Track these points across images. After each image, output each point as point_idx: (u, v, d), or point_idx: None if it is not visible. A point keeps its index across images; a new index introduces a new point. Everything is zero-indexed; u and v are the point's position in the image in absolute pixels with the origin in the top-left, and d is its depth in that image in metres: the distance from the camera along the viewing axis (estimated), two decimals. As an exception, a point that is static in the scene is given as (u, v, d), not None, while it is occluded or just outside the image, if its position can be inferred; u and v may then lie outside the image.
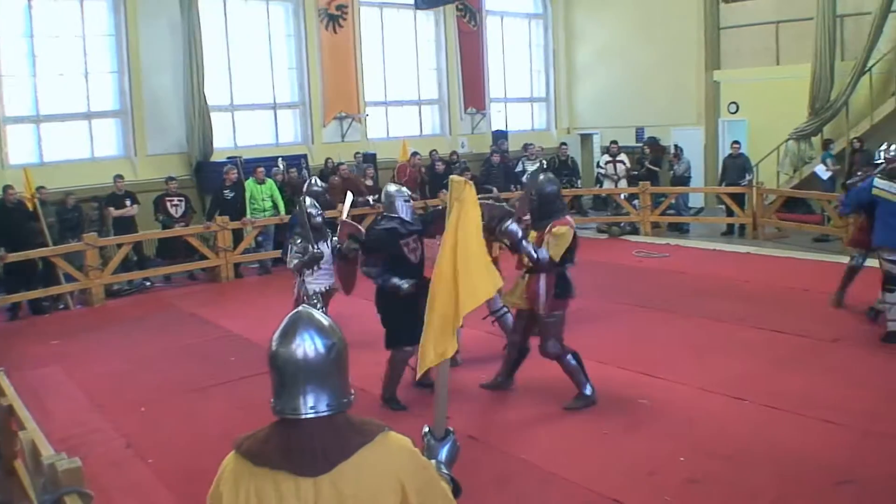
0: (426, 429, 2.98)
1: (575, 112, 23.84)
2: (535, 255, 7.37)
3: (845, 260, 14.11)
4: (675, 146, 19.38)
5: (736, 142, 18.14)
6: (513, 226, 7.40)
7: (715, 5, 20.62)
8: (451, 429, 3.00)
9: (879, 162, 9.96)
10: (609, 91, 22.59)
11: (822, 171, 16.81)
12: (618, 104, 22.23)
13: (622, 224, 18.14)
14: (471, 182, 3.23)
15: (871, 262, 10.31)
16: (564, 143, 20.39)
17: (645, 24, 21.43)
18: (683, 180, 18.91)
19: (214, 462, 2.58)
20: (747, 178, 17.28)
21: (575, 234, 7.51)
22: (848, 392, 7.74)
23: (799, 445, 6.61)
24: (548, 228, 7.43)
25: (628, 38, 21.90)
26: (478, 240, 3.32)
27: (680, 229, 18.09)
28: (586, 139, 23.63)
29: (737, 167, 17.70)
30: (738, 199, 17.39)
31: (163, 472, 6.73)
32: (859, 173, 15.48)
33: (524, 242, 7.43)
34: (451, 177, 3.43)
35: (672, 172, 19.05)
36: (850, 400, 7.51)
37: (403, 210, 7.91)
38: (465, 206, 3.21)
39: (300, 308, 2.58)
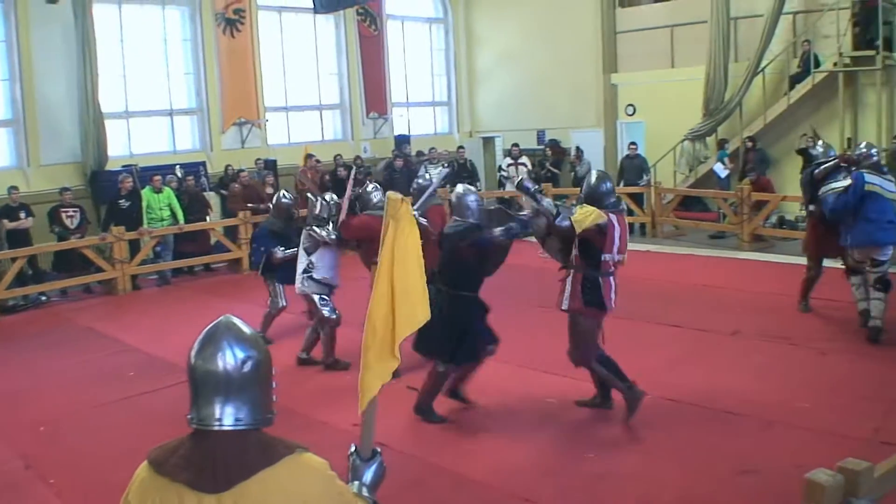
0: (353, 448, 2.88)
1: (477, 115, 23.98)
2: (553, 213, 6.96)
3: (741, 256, 14.66)
4: (577, 148, 19.66)
5: (633, 143, 18.53)
6: (527, 183, 7.21)
7: (611, 10, 21.02)
8: (379, 449, 2.91)
9: (831, 158, 10.01)
10: (510, 94, 22.79)
11: (721, 170, 17.32)
12: (519, 107, 22.45)
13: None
14: (407, 200, 3.10)
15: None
16: (462, 147, 20.47)
17: (544, 29, 21.69)
18: None
19: (118, 479, 2.49)
20: (645, 178, 17.64)
21: (608, 228, 6.85)
22: (749, 383, 7.94)
23: (702, 437, 6.76)
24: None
25: (528, 42, 22.14)
26: (416, 260, 3.13)
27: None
28: (488, 142, 23.79)
29: (634, 168, 18.06)
30: (637, 198, 17.74)
31: (65, 492, 6.49)
32: (752, 174, 16.07)
33: (545, 200, 7.07)
34: (388, 194, 3.28)
35: (573, 174, 19.32)
36: (751, 391, 7.71)
37: (477, 213, 7.50)
38: (401, 225, 3.09)
39: (222, 317, 2.49)
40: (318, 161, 18.02)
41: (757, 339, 9.52)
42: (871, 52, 16.47)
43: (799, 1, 18.03)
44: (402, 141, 20.86)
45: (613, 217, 6.93)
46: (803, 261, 13.63)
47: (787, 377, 8.08)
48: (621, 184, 18.17)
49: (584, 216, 6.86)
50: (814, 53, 17.35)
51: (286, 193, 10.73)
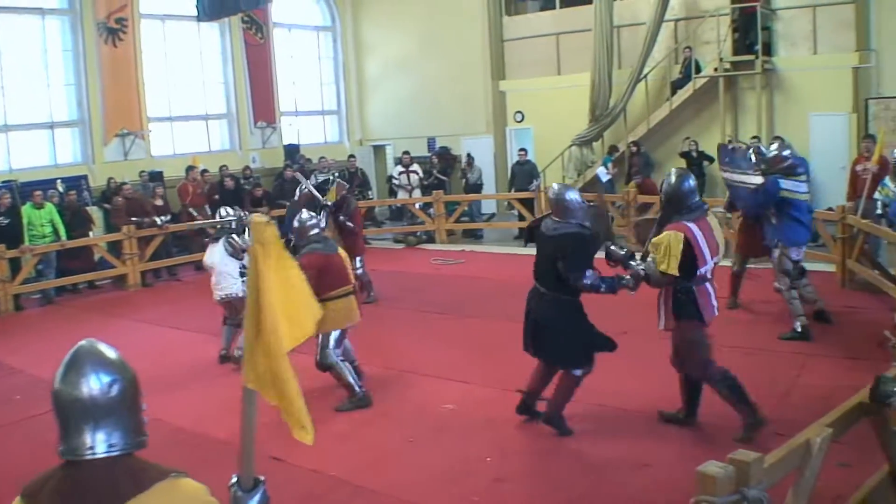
0: (234, 479, 2.76)
1: (367, 124, 23.89)
2: (641, 272, 6.58)
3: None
4: (468, 155, 19.77)
5: (522, 149, 18.76)
6: (617, 252, 6.79)
7: (498, 18, 21.23)
8: (262, 478, 2.79)
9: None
10: (400, 102, 22.78)
11: (603, 174, 17.64)
12: (409, 115, 22.46)
13: (418, 233, 18.30)
14: (273, 222, 2.97)
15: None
16: (353, 156, 20.35)
17: (432, 37, 21.77)
18: (476, 188, 19.34)
19: (0, 508, 2.35)
20: (535, 183, 17.83)
21: (693, 242, 6.29)
22: (640, 381, 8.08)
23: (599, 435, 6.84)
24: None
25: (417, 50, 22.18)
26: (290, 282, 3.04)
27: (474, 235, 18.43)
28: (379, 150, 23.74)
29: (524, 173, 18.26)
30: (529, 203, 17.90)
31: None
32: (637, 178, 16.43)
33: (632, 262, 6.66)
34: (251, 217, 3.18)
35: (465, 181, 19.43)
36: (643, 387, 7.86)
37: (581, 214, 7.03)
38: (267, 249, 2.97)
39: (83, 342, 2.39)
40: (204, 171, 17.60)
41: (646, 337, 9.64)
42: (750, 57, 17.13)
43: (680, 8, 18.53)
44: (291, 150, 20.60)
45: (693, 226, 6.33)
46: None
47: (675, 374, 8.22)
48: (512, 189, 18.37)
49: (667, 257, 6.28)
50: (695, 59, 17.86)
51: (227, 210, 10.23)
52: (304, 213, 8.45)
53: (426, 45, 21.94)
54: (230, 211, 9.79)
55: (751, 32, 17.36)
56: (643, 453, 6.40)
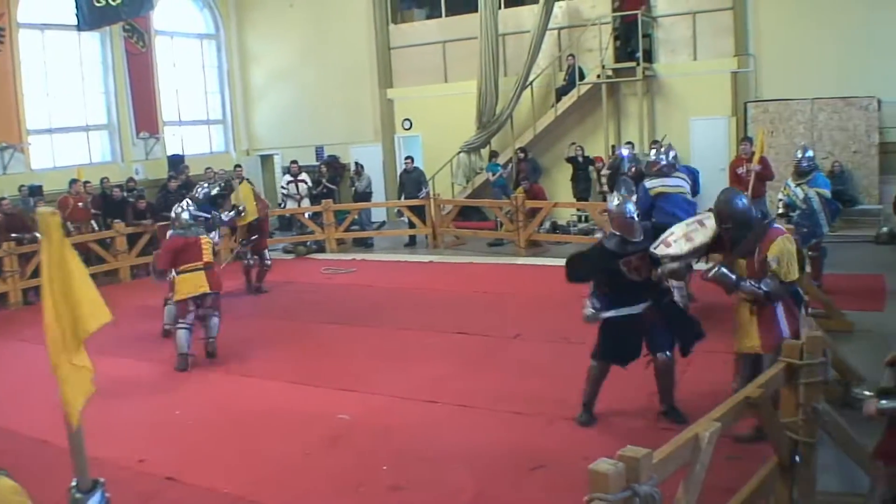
0: (73, 482, 2.64)
1: (254, 133, 23.52)
2: (762, 292, 6.02)
3: (519, 261, 15.12)
4: (356, 163, 19.69)
5: (409, 157, 18.77)
6: (720, 271, 6.15)
7: (384, 26, 21.22)
8: (102, 479, 2.67)
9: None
10: (287, 111, 22.52)
11: (494, 177, 17.92)
12: (297, 124, 22.22)
13: (308, 243, 18.07)
14: (57, 212, 2.96)
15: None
16: (239, 165, 19.94)
17: (318, 45, 21.60)
18: (365, 196, 19.27)
19: None
20: (424, 190, 17.88)
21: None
22: (533, 383, 8.16)
23: (493, 439, 6.85)
24: (758, 252, 6.07)
25: (303, 58, 21.99)
26: (75, 269, 3.13)
27: (365, 244, 18.34)
28: (267, 160, 23.41)
29: (412, 181, 18.30)
30: (419, 211, 17.94)
31: None
32: (525, 183, 16.63)
33: (742, 283, 6.10)
34: (38, 210, 3.15)
35: (354, 189, 19.33)
36: (536, 390, 7.92)
37: (646, 232, 6.91)
38: (52, 241, 2.95)
39: None
40: (86, 183, 17.00)
41: (538, 340, 9.81)
42: (631, 64, 17.57)
43: (563, 17, 18.90)
44: (176, 161, 20.08)
45: (779, 227, 6.23)
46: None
47: (568, 375, 8.32)
48: (402, 197, 18.37)
49: (785, 260, 5.95)
50: (578, 67, 18.25)
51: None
52: (180, 209, 10.20)
53: (312, 53, 21.77)
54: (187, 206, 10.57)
55: (632, 40, 17.81)
56: (538, 454, 6.44)
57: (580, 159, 17.57)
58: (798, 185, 10.65)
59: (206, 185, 13.41)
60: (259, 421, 7.64)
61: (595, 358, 7.06)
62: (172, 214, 10.25)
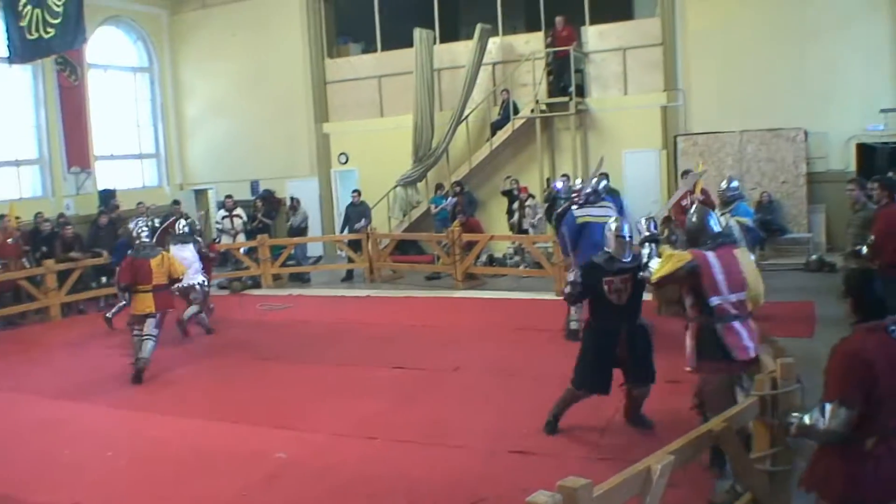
0: None
1: (188, 167, 23.23)
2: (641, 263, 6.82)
3: (456, 294, 15.14)
4: (292, 198, 19.58)
5: (356, 190, 18.71)
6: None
7: (320, 61, 21.22)
8: None
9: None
10: (222, 145, 22.31)
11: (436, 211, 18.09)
12: (231, 158, 22.02)
13: (243, 278, 17.87)
14: None
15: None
16: (177, 201, 19.68)
17: (253, 79, 21.50)
18: (300, 231, 19.14)
19: None
20: (363, 222, 17.83)
21: (701, 269, 6.02)
22: (472, 416, 8.13)
23: (432, 474, 6.80)
24: None
25: (238, 92, 21.84)
26: None
27: (301, 279, 18.20)
28: (201, 194, 23.13)
29: (358, 214, 18.26)
30: (357, 245, 17.85)
31: None
32: (461, 216, 16.66)
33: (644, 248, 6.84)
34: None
35: (289, 224, 19.22)
36: (474, 423, 7.90)
37: (614, 244, 7.23)
38: None
39: None
40: (17, 218, 16.58)
41: (477, 372, 9.81)
42: (564, 99, 17.85)
43: (497, 52, 19.12)
44: (107, 196, 19.74)
45: (710, 254, 6.11)
46: (514, 295, 14.52)
47: (505, 407, 8.35)
48: (346, 230, 18.29)
49: (661, 265, 6.25)
50: (513, 101, 18.46)
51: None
52: (138, 229, 11.20)
53: (247, 87, 21.66)
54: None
55: (565, 75, 18.09)
56: (478, 487, 6.41)
57: (515, 192, 17.70)
58: (722, 213, 10.90)
59: (142, 220, 13.35)
60: (195, 461, 7.48)
61: (574, 385, 7.31)
62: (134, 234, 11.24)
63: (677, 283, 6.28)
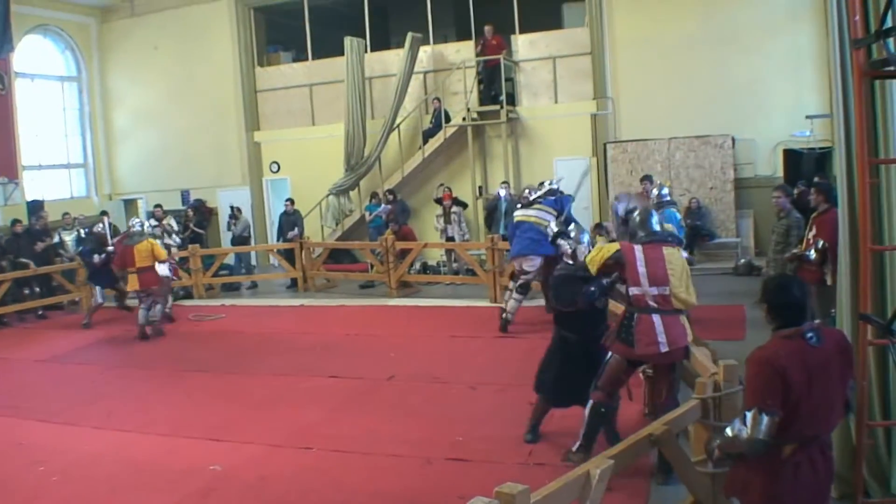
0: None
1: (117, 177, 22.82)
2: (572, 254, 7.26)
3: (391, 303, 15.12)
4: (233, 207, 19.46)
5: (289, 199, 18.57)
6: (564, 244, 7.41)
7: (250, 69, 21.04)
8: None
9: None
10: (152, 154, 21.97)
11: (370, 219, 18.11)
12: (161, 167, 21.72)
13: (174, 289, 17.59)
14: None
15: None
16: (105, 212, 19.16)
17: (183, 87, 21.25)
18: (243, 240, 18.97)
19: None
20: (294, 232, 17.69)
21: (625, 258, 6.30)
22: (408, 424, 8.11)
23: (369, 483, 6.76)
24: None
25: (167, 100, 21.56)
26: None
27: (233, 288, 18.00)
28: (130, 204, 22.73)
29: (291, 223, 18.14)
30: (289, 254, 17.70)
31: None
32: (394, 225, 16.66)
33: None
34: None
35: (231, 233, 19.03)
36: (410, 431, 7.89)
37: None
38: None
39: None
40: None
41: (411, 380, 9.79)
42: (495, 107, 17.95)
43: (428, 61, 19.19)
44: (35, 207, 19.27)
45: (637, 248, 6.35)
46: (448, 302, 14.59)
47: (441, 414, 8.36)
48: (280, 240, 18.15)
49: (593, 255, 6.53)
50: (444, 109, 18.49)
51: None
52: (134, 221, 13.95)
53: (176, 95, 21.39)
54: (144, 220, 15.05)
55: (495, 84, 18.21)
56: (415, 496, 6.41)
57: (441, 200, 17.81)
58: None
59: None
60: (129, 475, 7.31)
61: (536, 391, 7.37)
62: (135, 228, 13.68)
63: (609, 271, 6.47)
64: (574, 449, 6.54)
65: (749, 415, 3.97)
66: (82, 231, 17.61)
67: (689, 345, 6.40)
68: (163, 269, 13.93)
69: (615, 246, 6.50)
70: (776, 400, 3.91)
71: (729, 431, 4.11)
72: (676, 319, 6.26)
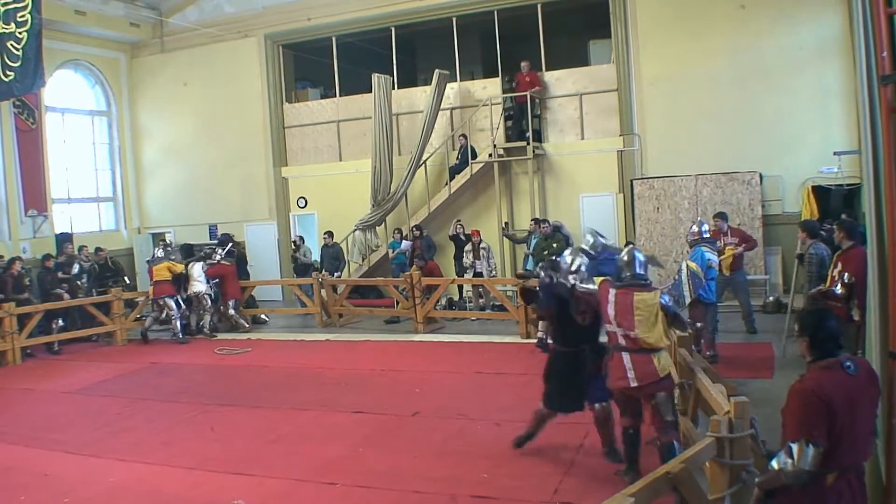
0: None
1: (145, 211, 23.06)
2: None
3: (416, 338, 15.10)
4: (298, 236, 20.00)
5: (328, 232, 18.78)
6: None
7: (279, 105, 21.27)
8: None
9: None
10: (180, 189, 22.22)
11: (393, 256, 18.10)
12: (190, 201, 21.95)
13: (202, 323, 17.62)
14: None
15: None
16: (100, 248, 19.18)
17: (212, 123, 21.49)
18: (306, 267, 19.13)
19: None
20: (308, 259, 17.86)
21: (602, 298, 7.02)
22: (432, 461, 8.08)
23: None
24: None
25: (196, 135, 21.81)
26: None
27: (258, 321, 18.11)
28: (158, 238, 22.93)
29: (329, 256, 18.24)
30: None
31: None
32: (420, 261, 16.69)
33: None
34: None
35: (295, 261, 19.46)
36: (435, 468, 7.86)
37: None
38: None
39: None
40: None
41: (436, 417, 9.75)
42: (522, 143, 17.97)
43: (455, 97, 19.30)
44: (63, 240, 19.50)
45: (612, 290, 6.96)
46: (475, 338, 14.56)
47: (466, 451, 8.32)
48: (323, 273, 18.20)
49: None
50: (470, 146, 18.55)
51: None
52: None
53: (206, 130, 21.63)
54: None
55: (523, 120, 18.28)
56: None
57: (462, 237, 17.81)
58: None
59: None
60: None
61: (544, 404, 7.82)
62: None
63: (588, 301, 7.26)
64: (624, 470, 7.07)
65: (794, 447, 4.00)
66: (97, 266, 17.98)
67: (670, 379, 6.96)
68: (200, 286, 16.75)
69: (594, 286, 7.22)
70: (822, 431, 3.97)
71: (775, 464, 4.12)
72: (648, 358, 6.75)
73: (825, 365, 4.14)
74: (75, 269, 17.35)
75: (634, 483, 4.63)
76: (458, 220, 18.28)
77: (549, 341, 7.92)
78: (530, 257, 16.44)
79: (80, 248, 18.45)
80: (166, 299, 16.51)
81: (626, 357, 6.79)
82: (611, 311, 6.86)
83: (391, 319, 17.13)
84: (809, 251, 10.52)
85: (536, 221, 16.82)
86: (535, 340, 12.53)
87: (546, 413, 7.84)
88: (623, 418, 7.07)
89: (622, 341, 6.80)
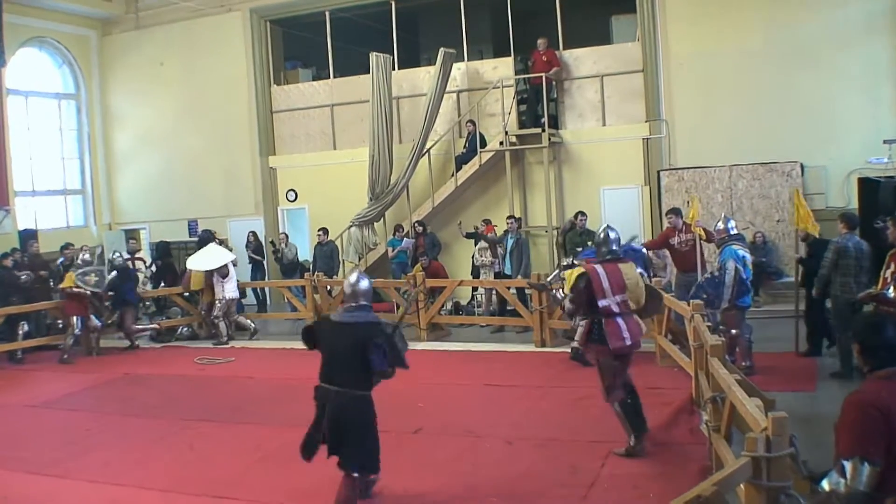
0: None
1: (117, 205, 23.09)
2: (558, 299, 9.50)
3: (420, 346, 15.08)
4: (282, 233, 19.89)
5: (322, 229, 18.69)
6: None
7: (266, 87, 21.28)
8: None
9: None
10: (156, 180, 22.25)
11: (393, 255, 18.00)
12: (167, 195, 21.97)
13: (181, 329, 17.64)
14: None
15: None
16: (85, 245, 19.15)
17: (191, 107, 21.54)
18: (294, 266, 19.19)
19: None
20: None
21: (591, 277, 8.23)
22: (435, 483, 8.08)
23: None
24: None
25: (174, 121, 21.85)
26: None
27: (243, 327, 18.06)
28: (133, 235, 22.94)
29: (325, 255, 18.21)
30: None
31: None
32: (423, 259, 16.63)
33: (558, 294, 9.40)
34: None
35: (280, 259, 19.43)
36: (439, 490, 7.87)
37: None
38: None
39: None
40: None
41: (441, 434, 9.72)
42: (536, 130, 17.86)
43: (462, 79, 19.26)
44: (27, 236, 19.47)
45: (598, 267, 8.37)
46: (484, 347, 14.46)
47: (473, 472, 8.29)
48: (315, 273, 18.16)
49: (567, 283, 8.68)
50: (479, 133, 18.48)
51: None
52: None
53: (184, 116, 21.66)
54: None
55: (537, 104, 18.18)
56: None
57: (482, 232, 17.67)
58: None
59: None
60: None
61: (609, 401, 8.54)
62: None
63: (581, 292, 8.30)
64: (632, 444, 8.20)
65: (848, 465, 3.94)
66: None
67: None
68: (230, 291, 16.79)
69: (580, 270, 8.53)
70: (879, 447, 3.90)
71: (825, 485, 4.06)
72: (635, 319, 8.40)
73: (885, 375, 4.08)
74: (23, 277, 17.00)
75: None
76: (460, 222, 18.00)
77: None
78: (507, 258, 16.38)
79: (66, 247, 18.40)
80: (73, 318, 15.86)
81: (619, 321, 8.19)
82: (605, 283, 8.22)
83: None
84: (847, 244, 10.62)
85: (514, 219, 16.74)
86: (551, 349, 12.65)
87: (621, 405, 8.45)
88: (617, 393, 8.33)
89: (615, 308, 8.21)
